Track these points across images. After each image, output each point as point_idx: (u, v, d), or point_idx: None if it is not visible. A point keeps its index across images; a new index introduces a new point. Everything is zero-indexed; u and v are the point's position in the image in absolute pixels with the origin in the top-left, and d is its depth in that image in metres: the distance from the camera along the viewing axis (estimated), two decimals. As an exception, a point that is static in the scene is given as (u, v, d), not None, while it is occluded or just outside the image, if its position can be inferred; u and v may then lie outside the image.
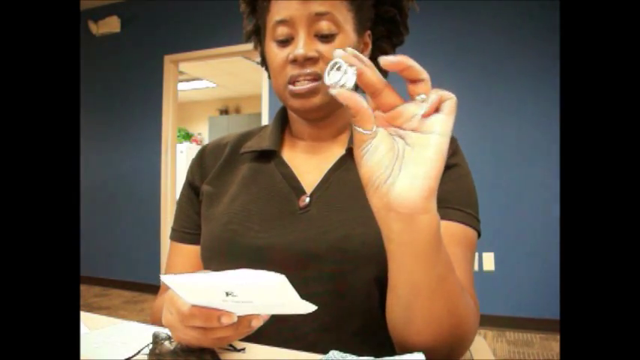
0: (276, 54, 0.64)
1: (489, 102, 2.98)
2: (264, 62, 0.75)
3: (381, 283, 0.57)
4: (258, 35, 0.73)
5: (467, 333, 0.52)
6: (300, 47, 0.61)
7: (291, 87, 0.63)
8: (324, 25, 0.62)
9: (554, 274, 2.74)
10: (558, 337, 2.63)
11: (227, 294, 0.40)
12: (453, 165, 0.65)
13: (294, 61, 0.62)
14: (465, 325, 0.51)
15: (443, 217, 0.61)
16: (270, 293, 0.40)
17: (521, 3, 2.91)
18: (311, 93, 0.63)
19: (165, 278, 0.42)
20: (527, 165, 2.89)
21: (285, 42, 0.63)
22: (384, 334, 0.54)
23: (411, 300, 0.47)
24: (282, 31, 0.63)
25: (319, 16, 0.61)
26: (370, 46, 0.71)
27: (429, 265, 0.44)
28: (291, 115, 0.73)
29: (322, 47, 0.62)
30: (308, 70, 0.62)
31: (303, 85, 0.62)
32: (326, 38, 0.62)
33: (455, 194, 0.63)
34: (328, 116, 0.69)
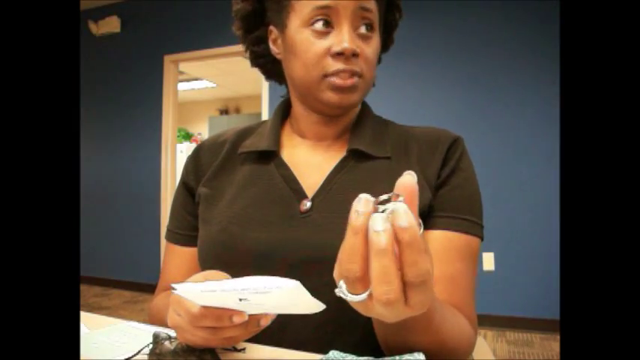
0: (313, 42, 0.61)
1: (490, 102, 2.98)
2: (252, 48, 0.71)
3: None
4: (259, 17, 0.69)
5: (460, 354, 0.54)
6: (346, 41, 0.59)
7: (333, 79, 0.60)
8: (366, 21, 0.61)
9: (554, 274, 2.75)
10: (558, 337, 2.63)
11: (240, 300, 0.39)
12: (457, 169, 0.64)
13: (339, 55, 0.60)
14: (457, 351, 0.53)
15: (446, 227, 0.61)
16: (284, 299, 0.39)
17: (523, 3, 2.91)
18: (353, 89, 0.61)
19: (176, 287, 0.41)
20: (528, 165, 2.89)
21: (323, 31, 0.61)
22: None
23: (398, 342, 0.50)
24: (322, 18, 0.60)
25: (363, 10, 0.61)
26: None
27: (417, 333, 0.47)
28: (298, 111, 0.70)
29: (362, 44, 0.61)
30: (349, 67, 0.60)
31: (346, 80, 0.60)
32: (367, 31, 0.62)
33: (458, 202, 0.62)
34: (346, 114, 0.68)
